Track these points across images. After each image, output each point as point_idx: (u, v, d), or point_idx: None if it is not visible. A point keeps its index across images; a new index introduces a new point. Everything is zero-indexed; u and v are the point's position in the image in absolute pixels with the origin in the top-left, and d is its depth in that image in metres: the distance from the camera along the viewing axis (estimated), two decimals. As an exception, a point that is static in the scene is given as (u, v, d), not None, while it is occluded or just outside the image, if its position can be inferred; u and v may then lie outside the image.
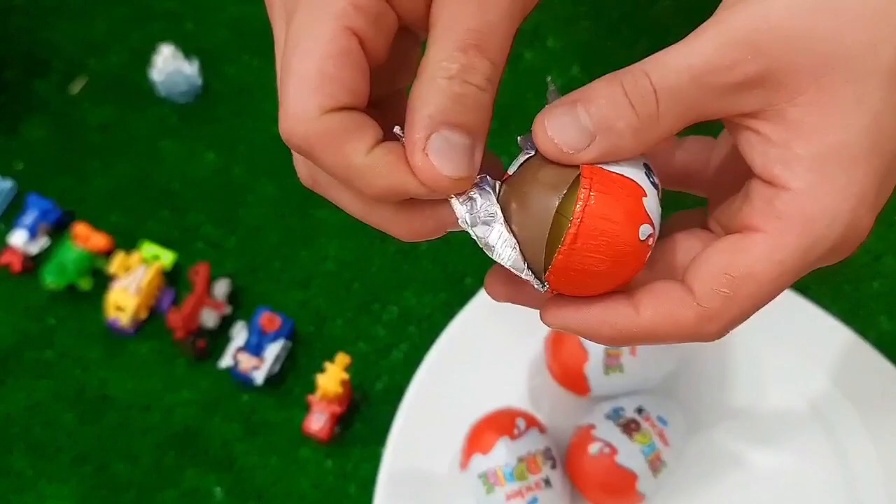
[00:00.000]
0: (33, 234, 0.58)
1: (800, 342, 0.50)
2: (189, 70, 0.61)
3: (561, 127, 0.26)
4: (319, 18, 0.25)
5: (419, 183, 0.26)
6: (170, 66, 0.61)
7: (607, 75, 0.27)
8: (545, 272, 0.27)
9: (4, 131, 0.62)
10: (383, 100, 0.29)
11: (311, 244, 0.58)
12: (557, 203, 0.26)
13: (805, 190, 0.26)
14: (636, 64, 0.26)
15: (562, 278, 0.27)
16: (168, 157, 0.61)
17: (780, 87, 0.26)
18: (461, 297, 0.54)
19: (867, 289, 0.54)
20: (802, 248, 0.26)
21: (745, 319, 0.27)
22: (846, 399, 0.49)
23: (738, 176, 0.29)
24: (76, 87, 0.64)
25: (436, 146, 0.26)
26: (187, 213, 0.59)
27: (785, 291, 0.50)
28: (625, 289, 0.28)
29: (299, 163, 0.30)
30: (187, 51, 0.63)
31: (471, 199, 0.27)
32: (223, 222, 0.59)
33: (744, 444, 0.49)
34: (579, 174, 0.26)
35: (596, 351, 0.47)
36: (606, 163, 0.27)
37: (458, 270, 0.56)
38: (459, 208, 0.27)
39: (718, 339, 0.28)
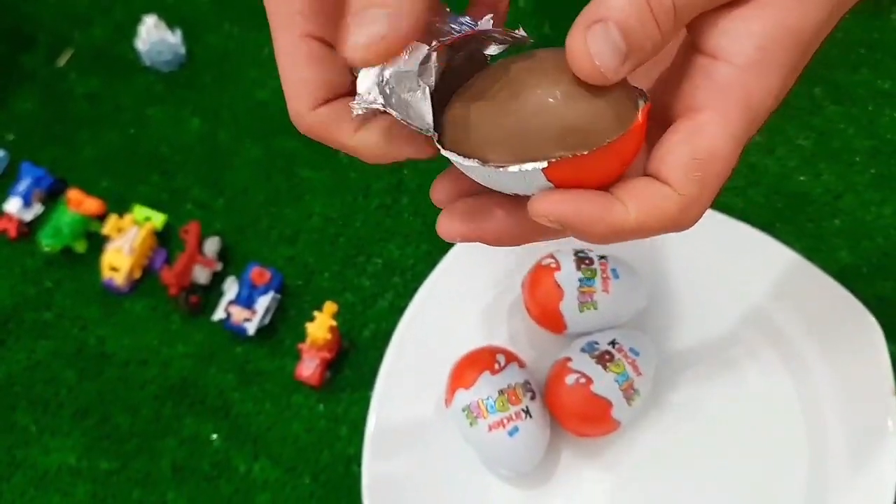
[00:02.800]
0: (27, 201, 0.60)
1: (766, 276, 0.53)
2: (173, 39, 0.63)
3: (600, 48, 0.26)
4: (281, 33, 0.30)
5: (403, 153, 0.30)
6: (154, 36, 0.63)
7: None
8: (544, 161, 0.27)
9: (-6, 104, 0.64)
10: None
11: (297, 202, 0.60)
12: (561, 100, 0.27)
13: (746, 65, 0.27)
14: None
15: (567, 171, 0.27)
16: (155, 124, 0.63)
17: None
18: (442, 248, 0.57)
19: (829, 226, 0.56)
20: (746, 120, 0.28)
21: (714, 198, 0.29)
22: (808, 327, 0.52)
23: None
24: (62, 59, 0.66)
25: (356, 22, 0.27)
26: (176, 177, 0.61)
27: (752, 231, 0.53)
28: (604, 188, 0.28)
29: None
30: (170, 21, 0.64)
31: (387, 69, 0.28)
32: (211, 184, 0.61)
33: (711, 372, 0.52)
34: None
35: (570, 289, 0.50)
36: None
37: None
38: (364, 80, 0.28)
39: (696, 223, 0.29)
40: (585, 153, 0.27)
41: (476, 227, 0.29)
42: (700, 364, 0.52)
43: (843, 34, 0.61)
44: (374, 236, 0.59)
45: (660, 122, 0.29)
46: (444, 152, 0.29)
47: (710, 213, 0.53)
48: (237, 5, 0.66)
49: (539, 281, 0.51)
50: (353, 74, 0.30)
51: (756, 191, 0.57)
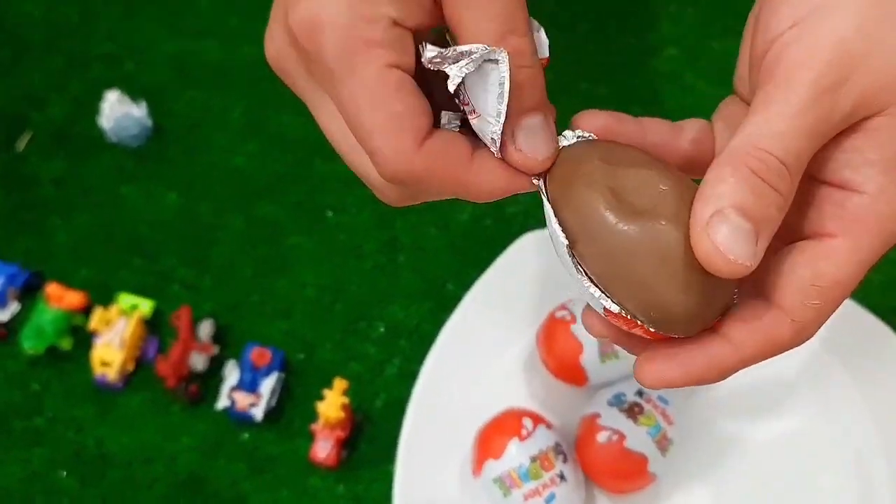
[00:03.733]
0: (2, 300, 0.56)
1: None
2: (138, 113, 0.61)
3: (727, 240, 0.25)
4: (364, 68, 0.27)
5: (520, 183, 0.28)
6: (118, 112, 0.60)
7: (726, 160, 0.26)
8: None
9: (-46, 199, 0.61)
10: None
11: (287, 272, 0.58)
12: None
13: (877, 193, 0.27)
14: (745, 141, 0.26)
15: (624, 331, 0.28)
16: (129, 203, 0.60)
17: (870, 108, 0.27)
18: (445, 304, 0.55)
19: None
20: (878, 245, 0.27)
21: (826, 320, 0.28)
22: (834, 352, 0.51)
23: None
24: (21, 143, 0.63)
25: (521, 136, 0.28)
26: (158, 258, 0.59)
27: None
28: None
29: (390, 191, 0.31)
30: (133, 94, 0.62)
31: None
32: (196, 262, 0.58)
33: (741, 412, 0.50)
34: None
35: (589, 341, 0.48)
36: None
37: (437, 278, 0.57)
38: None
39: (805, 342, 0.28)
40: (672, 336, 0.27)
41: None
42: (729, 405, 0.50)
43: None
44: (372, 300, 0.57)
45: (778, 238, 0.28)
46: (546, 205, 0.28)
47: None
48: (199, 70, 0.64)
49: (555, 335, 0.49)
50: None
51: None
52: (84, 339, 0.56)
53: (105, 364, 0.54)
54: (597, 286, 0.27)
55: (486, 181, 0.28)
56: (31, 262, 0.58)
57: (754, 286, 0.28)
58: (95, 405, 0.55)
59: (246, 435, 0.53)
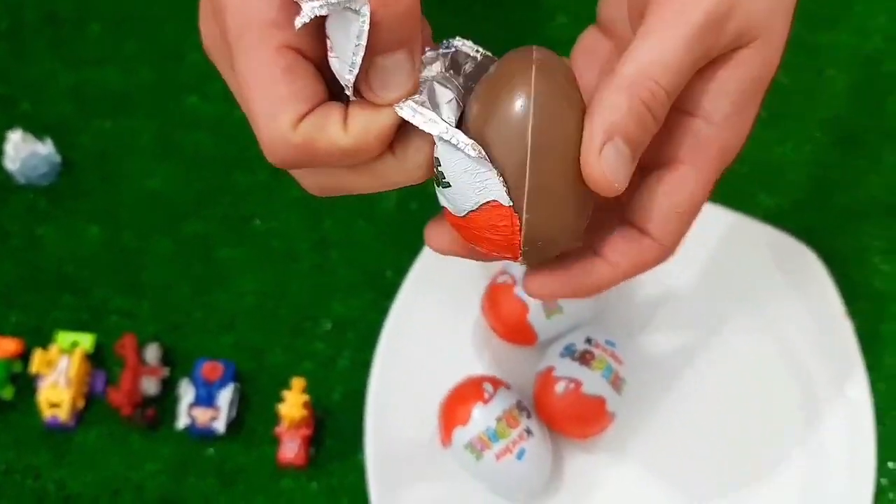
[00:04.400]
0: (-67, 360, 0.55)
1: (704, 238, 0.55)
2: (44, 150, 0.59)
3: (616, 169, 0.28)
4: (254, 51, 0.27)
5: (391, 124, 0.28)
6: (23, 152, 0.59)
7: (618, 85, 0.28)
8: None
9: None
10: None
11: (225, 285, 0.58)
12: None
13: (723, 121, 0.30)
14: (639, 71, 0.28)
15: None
16: (50, 243, 0.59)
17: (741, 41, 0.30)
18: (387, 292, 0.56)
19: (741, 174, 0.59)
20: (720, 167, 0.32)
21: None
22: (757, 273, 0.54)
23: None
24: (-74, 199, 0.61)
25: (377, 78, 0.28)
26: (90, 293, 0.58)
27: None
28: (588, 246, 0.32)
29: (303, 178, 0.31)
30: (34, 131, 0.60)
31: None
32: (130, 290, 0.58)
33: (681, 342, 0.53)
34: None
35: (534, 300, 0.50)
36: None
37: (374, 268, 0.58)
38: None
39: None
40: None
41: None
42: (668, 337, 0.53)
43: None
44: (314, 299, 0.57)
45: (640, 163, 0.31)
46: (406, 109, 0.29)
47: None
48: (101, 100, 0.63)
49: (499, 300, 0.51)
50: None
51: (666, 158, 0.59)
52: (26, 386, 0.55)
53: (53, 405, 0.53)
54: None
55: (364, 145, 0.28)
56: (-44, 318, 0.57)
57: (621, 209, 0.32)
58: (50, 449, 0.54)
59: (211, 450, 0.53)
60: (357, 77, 0.28)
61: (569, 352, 0.49)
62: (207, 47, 0.31)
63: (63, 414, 0.53)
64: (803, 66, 0.62)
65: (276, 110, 0.27)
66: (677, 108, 0.30)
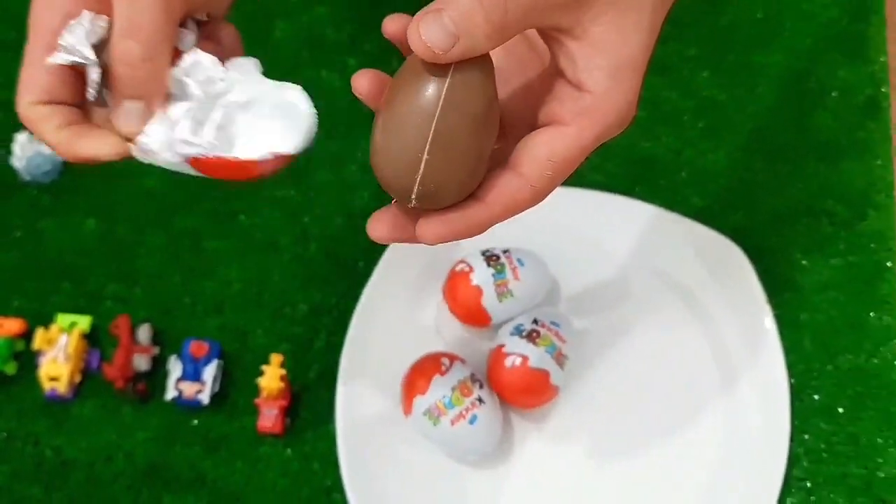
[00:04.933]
0: (-56, 338, 0.60)
1: (640, 232, 0.61)
2: (48, 150, 0.65)
3: (431, 29, 0.33)
4: (35, 42, 0.38)
5: (90, 149, 0.38)
6: (29, 151, 0.65)
7: None
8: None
9: None
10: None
11: (213, 274, 0.63)
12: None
13: (602, 93, 0.35)
14: None
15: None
16: (51, 235, 0.65)
17: (590, 9, 0.34)
18: (359, 281, 0.62)
19: (678, 179, 0.65)
20: (597, 135, 0.36)
21: (557, 187, 0.37)
22: (688, 265, 0.60)
23: (521, 75, 0.39)
24: (-63, 194, 0.66)
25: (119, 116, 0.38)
26: (87, 280, 0.63)
27: (618, 198, 0.61)
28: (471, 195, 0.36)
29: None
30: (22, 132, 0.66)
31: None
32: (124, 277, 0.63)
33: (619, 324, 0.59)
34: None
35: (487, 286, 0.56)
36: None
37: (348, 259, 0.64)
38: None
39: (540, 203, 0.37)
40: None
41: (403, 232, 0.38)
42: (608, 320, 0.59)
43: (645, 16, 0.71)
44: (293, 286, 0.63)
45: (527, 124, 0.37)
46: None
47: (581, 190, 0.61)
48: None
49: (457, 286, 0.57)
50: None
51: (612, 163, 0.66)
52: (27, 362, 0.60)
53: (53, 379, 0.58)
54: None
55: (61, 147, 0.38)
56: (-36, 301, 0.62)
57: (507, 163, 0.37)
58: (49, 418, 0.59)
59: (196, 421, 0.59)
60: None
61: (518, 331, 0.55)
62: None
63: (61, 387, 0.58)
64: (738, 83, 0.68)
65: (27, 87, 0.37)
66: (564, 77, 0.35)
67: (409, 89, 0.34)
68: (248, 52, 0.70)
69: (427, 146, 0.34)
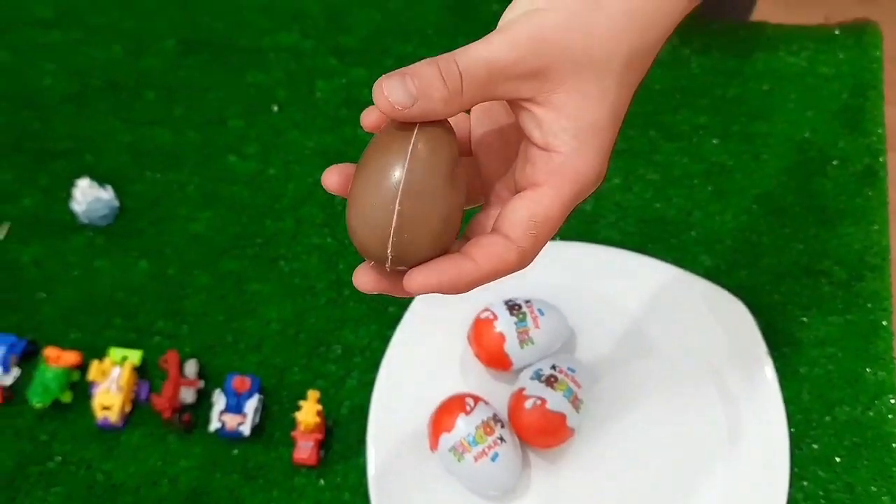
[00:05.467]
0: (6, 367, 0.65)
1: (651, 287, 0.66)
2: (106, 196, 0.71)
3: (394, 89, 0.35)
4: None
5: None
6: (89, 196, 0.70)
7: (428, 59, 0.36)
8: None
9: (-54, 287, 0.69)
10: None
11: (254, 314, 0.68)
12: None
13: (571, 153, 0.37)
14: (450, 52, 0.36)
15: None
16: (105, 275, 0.70)
17: (549, 80, 0.36)
18: (390, 325, 0.67)
19: (687, 238, 0.70)
20: (574, 192, 0.38)
21: (542, 248, 0.38)
22: (695, 318, 0.65)
23: (503, 146, 0.41)
24: (1, 233, 0.72)
25: None
26: (137, 316, 0.68)
27: (632, 255, 0.66)
28: (458, 250, 0.38)
29: None
30: (97, 180, 0.72)
31: None
32: (172, 315, 0.68)
33: (630, 370, 0.64)
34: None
35: (510, 333, 0.61)
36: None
37: (379, 304, 0.69)
38: None
39: (528, 265, 0.38)
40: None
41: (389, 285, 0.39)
42: (621, 367, 0.64)
43: (660, 85, 0.76)
44: (328, 328, 0.68)
45: (507, 187, 0.40)
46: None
47: (597, 246, 0.66)
48: (152, 154, 0.75)
49: (482, 332, 0.62)
50: None
51: (626, 222, 0.71)
52: (82, 392, 0.65)
53: (105, 408, 0.63)
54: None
55: None
56: (24, 333, 0.67)
57: (492, 226, 0.38)
58: (101, 444, 0.64)
59: (236, 451, 0.63)
60: None
61: (537, 376, 0.60)
62: None
63: (113, 416, 0.63)
64: (744, 151, 0.74)
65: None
66: (534, 143, 0.37)
67: (376, 154, 0.37)
68: (291, 109, 0.77)
69: (398, 196, 0.36)
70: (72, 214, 0.72)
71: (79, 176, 0.73)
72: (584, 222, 0.71)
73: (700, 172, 0.73)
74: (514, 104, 0.38)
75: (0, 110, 0.77)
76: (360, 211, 0.37)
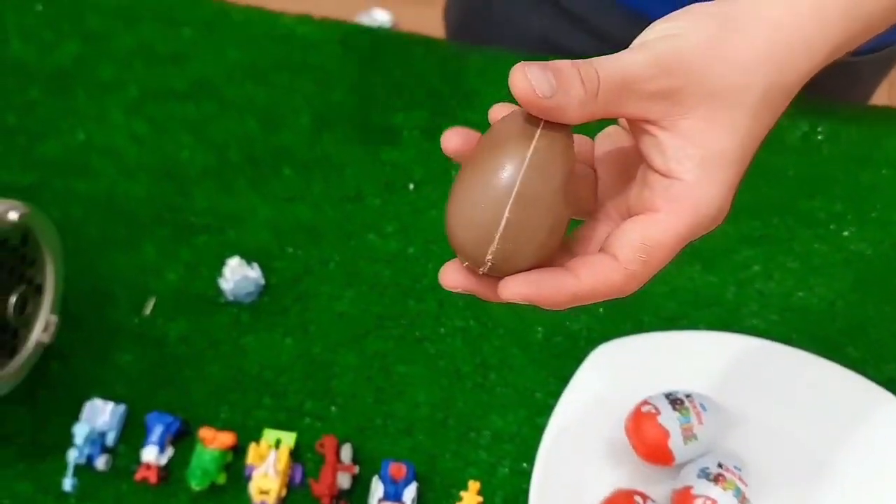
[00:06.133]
0: (162, 447, 0.66)
1: (795, 377, 0.66)
2: (253, 274, 0.72)
3: (536, 77, 0.34)
4: None
5: None
6: (237, 274, 0.71)
7: (569, 60, 0.35)
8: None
9: (97, 362, 0.70)
10: None
11: (402, 397, 0.69)
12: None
13: (694, 182, 0.36)
14: (589, 59, 0.36)
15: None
16: (252, 352, 0.71)
17: (680, 103, 0.35)
18: (538, 410, 0.67)
19: (832, 328, 0.70)
20: (693, 224, 0.36)
21: (653, 276, 0.37)
22: (843, 410, 0.65)
23: (621, 167, 0.40)
24: (147, 308, 0.73)
25: None
26: (286, 396, 0.69)
27: (778, 346, 0.66)
28: (562, 264, 0.36)
29: None
30: (240, 256, 0.73)
31: None
32: (321, 396, 0.69)
33: (790, 466, 0.64)
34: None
35: (674, 429, 0.61)
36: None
37: (526, 389, 0.69)
38: None
39: (636, 291, 0.37)
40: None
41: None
42: (779, 462, 0.64)
43: (794, 171, 0.77)
44: (476, 413, 0.68)
45: (619, 212, 0.39)
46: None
47: (742, 337, 0.66)
48: (293, 231, 0.76)
49: (643, 426, 0.62)
50: None
51: (769, 311, 0.71)
52: (235, 473, 0.66)
53: (263, 492, 0.64)
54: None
55: None
56: (176, 411, 0.68)
57: (601, 248, 0.38)
58: (257, 528, 0.64)
59: (393, 538, 0.64)
60: None
61: (704, 473, 0.60)
62: None
63: (270, 500, 0.64)
64: (881, 240, 0.74)
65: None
66: (655, 169, 0.36)
67: (492, 149, 0.35)
68: (426, 188, 0.77)
69: (510, 201, 0.34)
70: (217, 290, 0.73)
71: (221, 251, 0.74)
72: (728, 311, 0.71)
73: (840, 261, 0.73)
74: (639, 128, 0.37)
75: (141, 181, 0.78)
76: (464, 209, 0.35)
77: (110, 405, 0.67)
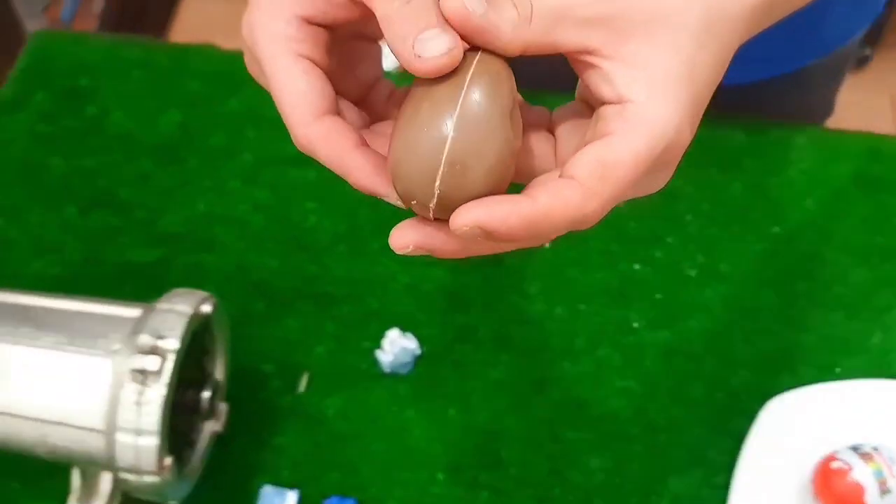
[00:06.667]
0: (345, 532, 0.64)
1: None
2: (411, 345, 0.70)
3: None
4: (275, 59, 0.36)
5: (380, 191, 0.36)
6: (397, 346, 0.70)
7: None
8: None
9: (258, 446, 0.68)
10: (362, 98, 0.41)
11: (575, 465, 0.68)
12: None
13: (645, 100, 0.35)
14: None
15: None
16: (415, 426, 0.69)
17: (618, 30, 0.35)
18: (714, 470, 0.67)
19: None
20: (648, 141, 0.35)
21: (616, 201, 0.35)
22: None
23: (580, 131, 0.38)
24: (301, 384, 0.71)
25: None
26: (460, 470, 0.68)
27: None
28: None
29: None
30: (376, 325, 0.71)
31: None
32: (493, 467, 0.68)
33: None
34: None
35: (870, 484, 0.62)
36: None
37: (699, 449, 0.69)
38: None
39: (599, 218, 0.35)
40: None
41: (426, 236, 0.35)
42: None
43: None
44: (651, 476, 0.68)
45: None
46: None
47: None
48: (435, 297, 0.74)
49: (835, 483, 0.62)
50: None
51: None
52: (418, 553, 0.64)
53: (457, 573, 0.62)
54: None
55: (355, 175, 0.36)
56: (347, 492, 0.66)
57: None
58: None
59: None
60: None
61: (907, 528, 0.61)
62: (251, 71, 0.39)
63: (466, 580, 0.62)
64: None
65: (297, 104, 0.35)
66: (606, 101, 0.35)
67: (434, 83, 0.34)
68: (563, 247, 0.74)
69: (454, 122, 0.33)
70: (370, 362, 0.71)
71: (366, 321, 0.72)
72: (877, 356, 0.72)
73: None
74: (583, 63, 0.36)
75: (274, 253, 0.76)
76: (408, 139, 0.34)
77: (286, 493, 0.65)
